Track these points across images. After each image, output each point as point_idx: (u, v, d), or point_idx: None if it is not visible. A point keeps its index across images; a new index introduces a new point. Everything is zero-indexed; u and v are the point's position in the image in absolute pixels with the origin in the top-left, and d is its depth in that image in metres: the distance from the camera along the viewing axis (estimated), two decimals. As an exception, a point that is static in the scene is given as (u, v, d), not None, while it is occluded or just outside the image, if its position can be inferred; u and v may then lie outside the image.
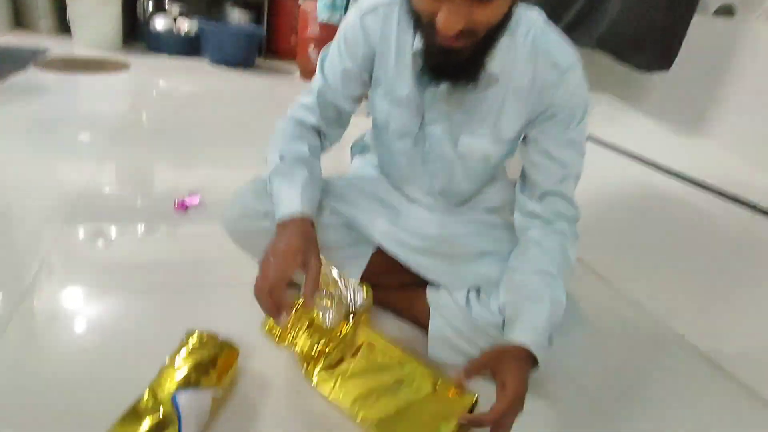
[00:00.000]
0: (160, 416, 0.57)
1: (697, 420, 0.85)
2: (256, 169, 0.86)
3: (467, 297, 0.83)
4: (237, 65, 3.21)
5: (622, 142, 1.24)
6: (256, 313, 0.87)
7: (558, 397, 0.82)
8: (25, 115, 1.73)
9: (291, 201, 0.73)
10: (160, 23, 3.19)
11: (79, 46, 2.96)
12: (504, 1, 0.60)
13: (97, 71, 2.52)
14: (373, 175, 0.98)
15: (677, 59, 1.03)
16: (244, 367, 0.75)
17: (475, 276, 0.84)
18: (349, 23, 0.79)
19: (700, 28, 1.01)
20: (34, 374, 0.68)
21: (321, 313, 0.79)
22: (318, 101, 0.82)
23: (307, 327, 0.78)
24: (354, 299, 0.83)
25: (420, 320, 0.89)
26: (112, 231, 1.09)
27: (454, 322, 0.82)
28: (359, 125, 1.07)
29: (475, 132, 0.78)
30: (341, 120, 0.86)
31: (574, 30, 1.06)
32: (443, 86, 0.72)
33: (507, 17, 0.65)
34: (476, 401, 0.69)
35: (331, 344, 0.76)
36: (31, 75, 2.23)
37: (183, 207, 1.23)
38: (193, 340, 0.69)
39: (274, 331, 0.81)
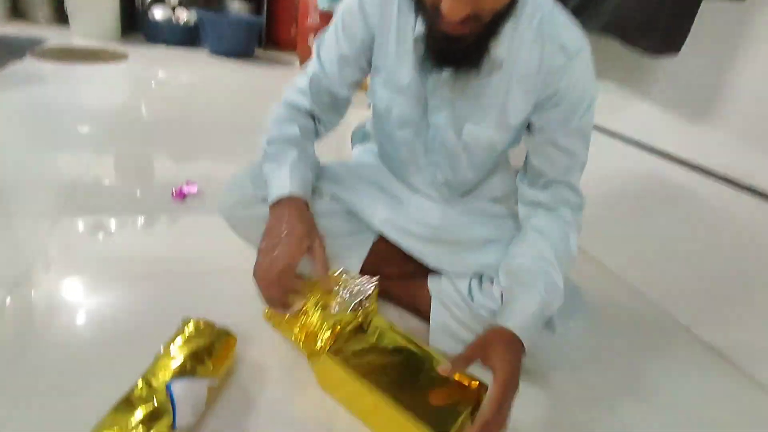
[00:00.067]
0: (154, 405, 0.55)
1: (702, 411, 0.84)
2: (254, 159, 0.84)
3: (469, 286, 0.81)
4: (236, 56, 3.18)
5: (628, 131, 1.22)
6: (255, 301, 0.86)
7: (560, 388, 0.81)
8: (21, 104, 1.72)
9: (281, 182, 0.72)
10: (158, 13, 3.16)
11: (76, 37, 2.93)
12: None
13: (95, 61, 2.49)
14: (374, 164, 0.96)
15: (686, 43, 1.00)
16: (241, 355, 0.73)
17: (477, 264, 0.82)
18: (347, 7, 0.76)
19: (710, 11, 0.98)
20: (29, 362, 0.67)
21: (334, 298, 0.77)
22: (311, 86, 0.80)
23: (313, 313, 0.75)
24: (363, 289, 0.82)
25: (421, 310, 0.87)
26: (109, 220, 1.07)
27: (455, 311, 0.80)
28: (359, 114, 1.05)
29: (480, 120, 0.75)
30: (337, 106, 0.84)
31: (579, 14, 1.03)
32: (446, 73, 0.70)
33: (513, 1, 0.62)
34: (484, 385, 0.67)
35: (338, 331, 0.74)
36: (28, 65, 2.21)
37: (181, 195, 1.22)
38: (189, 328, 0.67)
39: (274, 318, 0.80)
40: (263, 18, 3.54)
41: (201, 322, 0.68)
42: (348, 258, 0.86)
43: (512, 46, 0.69)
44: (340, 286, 0.78)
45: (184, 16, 3.22)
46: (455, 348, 0.79)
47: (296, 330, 0.76)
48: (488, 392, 0.56)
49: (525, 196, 0.80)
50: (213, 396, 0.65)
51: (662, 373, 0.91)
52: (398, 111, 0.79)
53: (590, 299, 0.79)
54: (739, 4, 0.95)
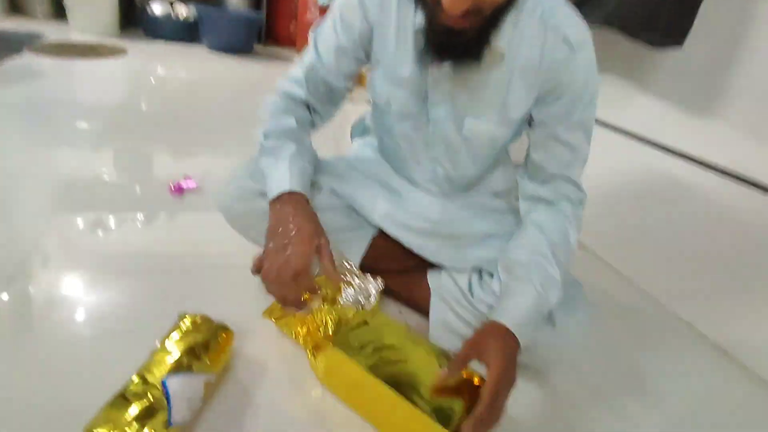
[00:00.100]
0: (149, 401, 0.54)
1: (703, 407, 0.83)
2: (252, 154, 0.83)
3: (469, 281, 0.80)
4: (236, 52, 3.16)
5: (629, 125, 1.20)
6: (253, 296, 0.86)
7: (560, 384, 0.81)
8: (18, 99, 1.70)
9: (280, 177, 0.71)
10: (157, 8, 3.13)
11: (74, 32, 2.92)
12: None
13: (93, 57, 2.48)
14: (374, 158, 0.94)
15: (689, 36, 0.99)
16: (239, 351, 0.73)
17: (478, 259, 0.82)
18: None
19: (714, 3, 0.97)
20: (25, 358, 0.66)
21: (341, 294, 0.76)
22: (307, 77, 0.78)
23: (318, 308, 0.74)
24: (367, 289, 0.81)
25: (421, 305, 0.86)
26: (107, 215, 1.06)
27: (455, 306, 0.79)
28: (359, 109, 1.04)
29: (481, 114, 0.74)
30: (333, 97, 0.82)
31: (582, 6, 1.01)
32: (446, 66, 0.68)
33: None
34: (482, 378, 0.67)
35: (341, 326, 0.73)
36: (26, 60, 2.20)
37: (179, 190, 1.20)
38: (185, 323, 0.67)
39: (275, 315, 0.79)
40: (263, 14, 3.51)
41: (198, 317, 0.67)
42: (347, 253, 0.85)
43: (513, 38, 0.67)
44: (344, 282, 0.77)
45: (183, 11, 3.20)
46: (455, 344, 0.79)
47: (299, 326, 0.76)
48: (482, 388, 0.56)
49: (525, 190, 0.79)
50: (210, 392, 0.64)
51: (663, 369, 0.90)
52: (398, 105, 0.78)
53: (591, 295, 0.78)
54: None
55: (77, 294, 0.81)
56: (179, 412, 0.55)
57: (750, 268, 0.95)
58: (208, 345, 0.64)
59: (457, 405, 0.61)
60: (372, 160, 0.93)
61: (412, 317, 0.89)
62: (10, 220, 1.00)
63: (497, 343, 0.59)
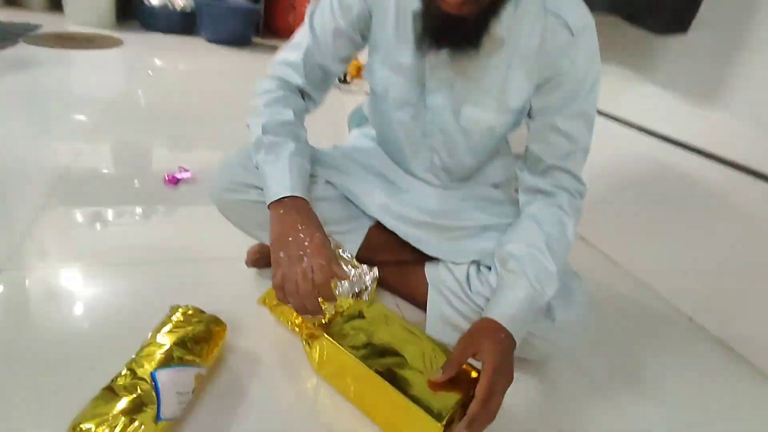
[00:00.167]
0: (138, 395, 0.53)
1: (704, 402, 0.82)
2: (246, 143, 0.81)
3: (467, 273, 0.79)
4: (234, 44, 3.13)
5: (631, 115, 1.18)
6: (246, 288, 0.85)
7: (559, 379, 0.79)
8: (13, 90, 1.69)
9: (281, 180, 0.69)
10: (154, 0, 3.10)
11: (71, 24, 2.89)
12: None
13: (89, 48, 2.45)
14: (371, 148, 0.93)
15: (694, 23, 0.96)
16: (232, 343, 0.71)
17: (476, 252, 0.80)
18: None
19: (720, -11, 0.95)
20: (13, 349, 0.65)
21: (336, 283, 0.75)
22: (305, 61, 0.76)
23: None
24: (363, 279, 0.80)
25: (418, 298, 0.85)
26: (100, 207, 1.05)
27: (452, 299, 0.78)
28: (357, 99, 1.02)
29: (479, 102, 0.72)
30: (327, 82, 0.81)
31: (584, -7, 0.99)
32: (444, 53, 0.66)
33: None
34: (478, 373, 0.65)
35: (337, 315, 0.72)
36: (21, 50, 2.18)
37: (173, 181, 1.19)
38: (177, 315, 0.65)
39: (268, 302, 0.78)
40: (261, 5, 3.48)
41: (189, 310, 0.66)
42: (343, 244, 0.83)
43: (513, 25, 0.65)
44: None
45: (180, 2, 3.16)
46: (452, 337, 0.77)
47: (294, 315, 0.75)
48: (477, 387, 0.54)
49: (524, 182, 0.77)
50: (202, 384, 0.63)
51: (663, 362, 0.89)
52: (396, 91, 0.76)
53: (591, 288, 0.77)
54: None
55: (68, 285, 0.80)
56: (169, 405, 0.54)
57: (752, 261, 0.94)
58: (199, 337, 0.63)
59: (451, 398, 0.60)
60: (369, 151, 0.91)
61: (409, 310, 0.88)
62: (3, 211, 0.98)
63: (492, 341, 0.58)
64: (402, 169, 0.89)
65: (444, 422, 0.55)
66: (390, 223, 0.82)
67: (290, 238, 0.65)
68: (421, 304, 0.83)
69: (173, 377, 0.56)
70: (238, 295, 0.83)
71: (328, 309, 0.68)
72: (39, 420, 0.56)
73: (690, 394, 0.83)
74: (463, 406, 0.59)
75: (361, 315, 0.71)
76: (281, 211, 0.68)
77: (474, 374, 0.63)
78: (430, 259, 0.84)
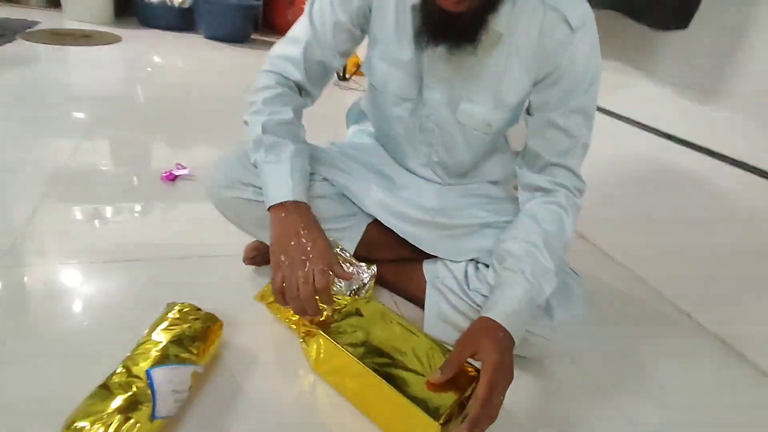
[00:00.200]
0: (134, 393, 0.53)
1: (703, 399, 0.82)
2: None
3: (465, 271, 0.78)
4: (232, 40, 3.12)
5: (629, 112, 1.18)
6: (243, 285, 0.85)
7: (559, 376, 0.79)
8: (10, 86, 1.68)
9: (282, 183, 0.69)
10: (152, -4, 3.08)
11: (68, 20, 2.88)
12: None
13: (87, 44, 2.44)
14: (369, 144, 0.92)
15: (695, 18, 0.96)
16: (229, 340, 0.71)
17: (474, 249, 0.80)
18: None
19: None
20: (10, 347, 0.65)
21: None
22: (305, 55, 0.75)
23: None
24: (361, 277, 0.79)
25: (416, 296, 0.85)
26: (97, 204, 1.05)
27: (450, 297, 0.78)
28: (356, 95, 1.02)
29: (476, 97, 0.72)
30: (325, 77, 0.80)
31: (584, -12, 0.99)
32: (442, 49, 0.66)
33: None
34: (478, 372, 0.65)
35: (334, 313, 0.72)
36: (19, 46, 2.16)
37: (171, 178, 1.18)
38: (173, 312, 0.65)
39: (265, 299, 0.77)
40: (260, 2, 3.46)
41: (185, 307, 0.66)
42: (341, 242, 0.83)
43: (512, 20, 0.65)
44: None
45: (178, -1, 3.15)
46: (450, 335, 0.77)
47: (291, 312, 0.74)
48: (477, 387, 0.54)
49: (523, 180, 0.77)
50: (199, 382, 0.62)
51: (662, 361, 0.89)
52: (395, 86, 0.75)
53: (590, 286, 0.77)
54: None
55: (64, 282, 0.80)
56: (164, 404, 0.54)
57: (750, 258, 0.93)
58: (196, 335, 0.62)
59: (448, 397, 0.59)
60: (367, 147, 0.91)
61: (406, 307, 0.87)
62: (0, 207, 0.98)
63: (491, 341, 0.58)
64: (400, 164, 0.88)
65: (441, 420, 0.55)
66: (388, 221, 0.81)
67: (292, 242, 0.65)
68: (419, 302, 0.83)
69: (169, 375, 0.56)
70: (235, 292, 0.82)
71: (327, 309, 0.68)
72: (33, 418, 0.56)
73: (689, 392, 0.82)
74: (461, 405, 0.59)
75: (358, 312, 0.71)
76: (283, 215, 0.67)
77: (472, 372, 0.62)
78: (429, 256, 0.83)
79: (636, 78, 1.16)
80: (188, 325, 0.63)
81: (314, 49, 0.74)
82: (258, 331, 0.75)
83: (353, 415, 0.64)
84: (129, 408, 0.51)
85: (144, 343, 0.60)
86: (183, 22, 3.16)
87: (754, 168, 0.91)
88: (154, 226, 1.02)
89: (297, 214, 0.67)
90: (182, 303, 0.67)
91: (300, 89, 0.78)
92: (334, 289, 0.75)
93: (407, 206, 0.81)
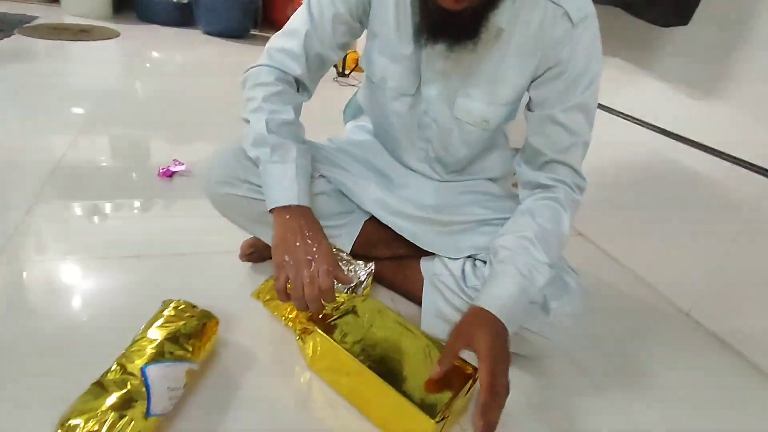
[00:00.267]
0: (128, 390, 0.52)
1: (701, 398, 0.82)
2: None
3: (463, 268, 0.78)
4: (231, 36, 3.11)
5: (629, 109, 1.17)
6: (240, 282, 0.85)
7: (557, 375, 0.79)
8: (7, 80, 1.67)
9: (286, 186, 0.69)
10: (151, -9, 3.07)
11: (67, 15, 2.86)
12: None
13: (85, 39, 2.43)
14: (367, 141, 0.91)
15: (696, 13, 0.95)
16: (225, 338, 0.71)
17: (472, 246, 0.79)
18: None
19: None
20: (5, 343, 0.65)
21: None
22: (305, 50, 0.74)
23: None
24: (358, 275, 0.79)
25: (413, 293, 0.85)
26: (94, 200, 1.04)
27: (448, 294, 0.77)
28: (353, 92, 1.01)
29: (474, 93, 0.71)
30: (323, 70, 0.79)
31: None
32: (441, 45, 0.65)
33: None
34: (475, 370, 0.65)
35: (331, 310, 0.71)
36: (17, 41, 2.16)
37: (168, 174, 1.18)
38: (168, 310, 0.65)
39: (262, 296, 0.77)
40: (259, -3, 3.44)
41: (181, 304, 0.66)
42: (338, 239, 0.83)
43: (512, 15, 0.64)
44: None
45: (177, -6, 3.13)
46: (447, 332, 0.76)
47: (287, 309, 0.74)
48: (479, 375, 0.54)
49: (523, 177, 0.77)
50: (194, 380, 0.62)
51: (661, 359, 0.89)
52: (394, 81, 0.75)
53: (588, 283, 0.76)
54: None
55: (59, 278, 0.80)
56: (159, 401, 0.54)
57: (750, 257, 0.93)
58: (191, 332, 0.62)
59: (444, 395, 0.59)
60: (364, 144, 0.90)
61: (404, 305, 0.87)
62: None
63: (483, 328, 0.58)
64: (397, 160, 0.88)
65: (437, 418, 0.55)
66: (385, 218, 0.81)
67: (297, 243, 0.65)
68: (417, 299, 0.82)
69: (164, 372, 0.56)
70: (232, 289, 0.82)
71: (327, 307, 0.68)
72: (27, 415, 0.55)
73: (687, 390, 0.82)
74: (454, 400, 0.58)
75: (355, 310, 0.71)
76: (287, 217, 0.67)
77: (468, 371, 0.62)
78: (426, 253, 0.83)
79: (636, 75, 1.15)
80: (184, 322, 0.63)
81: (313, 42, 0.74)
82: (254, 328, 0.75)
83: (349, 413, 0.64)
84: (124, 405, 0.51)
85: (139, 340, 0.59)
86: (182, 17, 3.15)
87: (755, 165, 0.91)
88: (150, 223, 1.01)
89: (301, 217, 0.68)
90: (178, 300, 0.66)
91: (298, 84, 0.77)
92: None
93: (405, 204, 0.80)
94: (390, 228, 0.81)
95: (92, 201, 1.03)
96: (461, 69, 0.70)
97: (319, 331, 0.65)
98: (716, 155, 0.97)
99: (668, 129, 1.08)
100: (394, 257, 0.86)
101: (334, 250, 0.77)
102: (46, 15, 2.75)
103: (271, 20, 3.64)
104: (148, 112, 1.66)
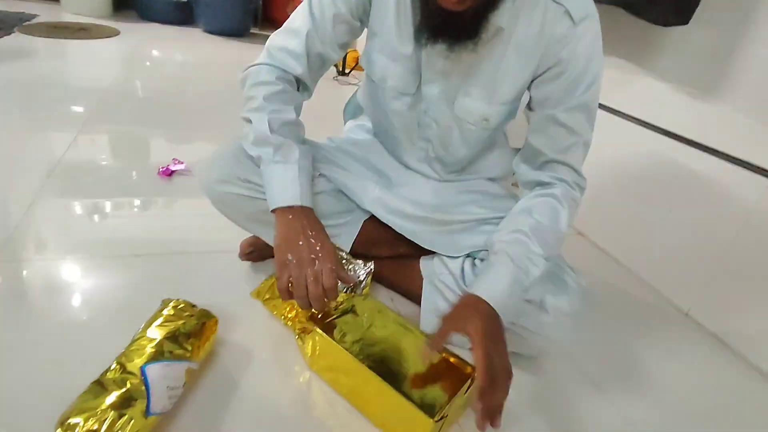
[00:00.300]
0: (127, 389, 0.52)
1: (699, 397, 0.82)
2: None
3: (462, 267, 0.78)
4: (231, 34, 3.10)
5: (629, 108, 1.17)
6: (239, 282, 0.85)
7: (556, 374, 0.79)
8: (7, 79, 1.67)
9: (290, 186, 0.69)
10: (151, -11, 3.06)
11: (67, 13, 2.86)
12: None
13: (85, 38, 2.43)
14: (366, 140, 0.91)
15: (696, 13, 0.95)
16: (224, 337, 0.71)
17: (471, 245, 0.79)
18: None
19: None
20: (5, 342, 0.65)
21: None
22: (307, 50, 0.74)
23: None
24: (358, 274, 0.79)
25: (413, 292, 0.85)
26: (94, 199, 1.04)
27: (447, 293, 0.77)
28: (353, 91, 1.01)
29: (474, 92, 0.71)
30: (323, 69, 0.79)
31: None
32: (441, 45, 0.65)
33: None
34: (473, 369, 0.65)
35: (330, 309, 0.72)
36: (16, 39, 2.15)
37: (167, 173, 1.18)
38: (168, 309, 0.65)
39: (261, 296, 0.77)
40: (259, -5, 3.44)
41: (180, 303, 0.66)
42: (338, 238, 0.83)
43: (513, 14, 0.64)
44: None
45: (177, -8, 3.13)
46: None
47: (287, 308, 0.74)
48: (474, 358, 0.54)
49: (523, 177, 0.77)
50: (193, 379, 0.62)
51: (660, 359, 0.89)
52: (394, 80, 0.75)
53: (588, 283, 0.76)
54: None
55: (59, 277, 0.80)
56: (159, 400, 0.54)
57: (749, 257, 0.93)
58: (190, 332, 0.62)
59: (443, 395, 0.59)
60: (364, 143, 0.90)
61: (403, 304, 0.87)
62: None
63: (473, 312, 0.58)
64: (397, 160, 0.88)
65: (436, 417, 0.55)
66: (385, 217, 0.81)
67: (300, 242, 0.65)
68: (416, 298, 0.82)
69: (163, 371, 0.56)
70: (231, 288, 0.82)
71: (328, 306, 0.68)
72: (27, 414, 0.55)
73: (686, 390, 0.82)
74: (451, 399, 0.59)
75: (354, 310, 0.71)
76: (290, 217, 0.68)
77: (468, 369, 0.62)
78: (426, 253, 0.83)
79: (636, 74, 1.15)
80: (183, 321, 0.63)
81: (314, 42, 0.73)
82: (253, 327, 0.75)
83: (349, 412, 0.64)
84: (123, 404, 0.51)
85: (139, 339, 0.59)
86: (182, 15, 3.15)
87: (754, 165, 0.91)
88: (150, 222, 1.01)
89: (304, 218, 0.68)
90: (177, 299, 0.66)
91: (298, 83, 0.77)
92: None
93: (404, 203, 0.80)
94: (389, 227, 0.81)
95: (92, 200, 1.03)
96: (461, 68, 0.70)
97: (319, 330, 0.65)
98: (716, 155, 0.97)
99: (668, 129, 1.08)
100: (393, 257, 0.86)
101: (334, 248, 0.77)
102: (45, 13, 2.74)
103: (271, 19, 3.64)
104: (148, 111, 1.65)
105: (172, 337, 0.60)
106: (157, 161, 1.24)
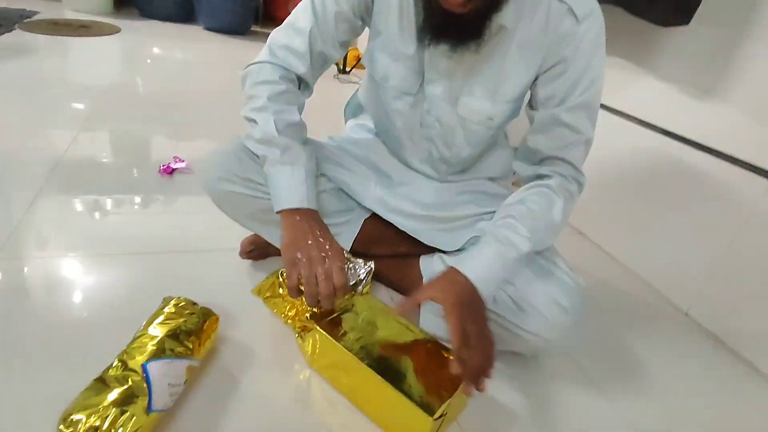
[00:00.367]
0: (129, 386, 0.53)
1: (698, 397, 0.82)
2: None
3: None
4: (232, 32, 3.10)
5: (630, 108, 1.17)
6: (240, 280, 0.85)
7: (554, 372, 0.79)
8: (8, 76, 1.67)
9: (296, 188, 0.70)
10: (152, -13, 3.06)
11: (68, 10, 2.86)
12: None
13: (86, 35, 2.43)
14: (367, 139, 0.92)
15: (697, 13, 0.95)
16: (225, 335, 0.71)
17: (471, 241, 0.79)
18: None
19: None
20: (6, 340, 0.65)
21: None
22: (310, 48, 0.73)
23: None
24: (358, 273, 0.79)
25: (413, 291, 0.84)
26: (95, 196, 1.04)
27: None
28: (354, 89, 1.01)
29: (477, 92, 0.71)
30: (324, 68, 0.79)
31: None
32: (444, 45, 0.65)
33: None
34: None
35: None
36: (17, 37, 2.15)
37: (168, 171, 1.18)
38: (169, 307, 0.65)
39: (262, 293, 0.77)
40: (260, -7, 3.44)
41: (182, 301, 0.66)
42: (338, 237, 0.83)
43: (516, 13, 0.64)
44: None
45: (178, -10, 3.12)
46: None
47: (287, 307, 0.74)
48: (449, 327, 0.56)
49: (523, 173, 0.77)
50: (195, 376, 0.62)
51: (660, 358, 0.89)
52: (396, 80, 0.75)
53: (587, 282, 0.76)
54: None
55: (60, 275, 0.80)
56: (160, 397, 0.54)
57: (749, 257, 0.93)
58: (191, 329, 0.63)
59: (443, 394, 0.60)
60: (365, 142, 0.90)
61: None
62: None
63: (446, 283, 0.61)
64: (398, 160, 0.88)
65: (436, 416, 0.55)
66: (386, 215, 0.81)
67: (309, 242, 0.66)
68: (417, 298, 0.83)
69: (165, 369, 0.56)
70: (232, 286, 0.82)
71: (337, 302, 0.69)
72: (29, 411, 0.56)
73: (685, 390, 0.83)
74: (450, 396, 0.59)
75: (354, 308, 0.71)
76: (297, 218, 0.68)
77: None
78: (426, 251, 0.83)
79: (636, 75, 1.15)
80: (184, 319, 0.63)
81: (317, 40, 0.73)
82: (254, 325, 0.75)
83: (348, 410, 0.64)
84: (125, 401, 0.51)
85: (140, 336, 0.60)
86: (183, 13, 3.15)
87: (754, 166, 0.91)
88: (151, 220, 1.02)
89: (310, 219, 0.69)
90: (178, 297, 0.67)
91: (300, 82, 0.77)
92: None
93: (405, 202, 0.81)
94: (390, 226, 0.81)
95: (93, 197, 1.04)
96: (464, 68, 0.70)
97: (319, 329, 0.65)
98: (716, 155, 0.98)
99: (668, 129, 1.08)
100: (393, 256, 0.87)
101: None
102: (46, 10, 2.74)
103: (272, 16, 3.64)
104: (149, 109, 1.66)
105: (174, 334, 0.60)
106: (158, 159, 1.24)
